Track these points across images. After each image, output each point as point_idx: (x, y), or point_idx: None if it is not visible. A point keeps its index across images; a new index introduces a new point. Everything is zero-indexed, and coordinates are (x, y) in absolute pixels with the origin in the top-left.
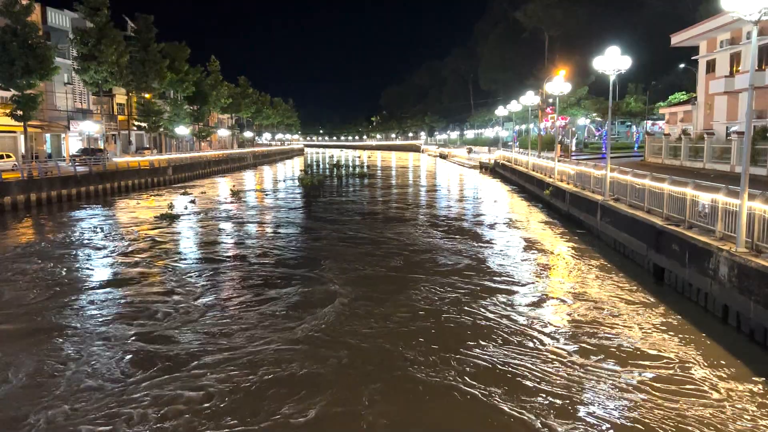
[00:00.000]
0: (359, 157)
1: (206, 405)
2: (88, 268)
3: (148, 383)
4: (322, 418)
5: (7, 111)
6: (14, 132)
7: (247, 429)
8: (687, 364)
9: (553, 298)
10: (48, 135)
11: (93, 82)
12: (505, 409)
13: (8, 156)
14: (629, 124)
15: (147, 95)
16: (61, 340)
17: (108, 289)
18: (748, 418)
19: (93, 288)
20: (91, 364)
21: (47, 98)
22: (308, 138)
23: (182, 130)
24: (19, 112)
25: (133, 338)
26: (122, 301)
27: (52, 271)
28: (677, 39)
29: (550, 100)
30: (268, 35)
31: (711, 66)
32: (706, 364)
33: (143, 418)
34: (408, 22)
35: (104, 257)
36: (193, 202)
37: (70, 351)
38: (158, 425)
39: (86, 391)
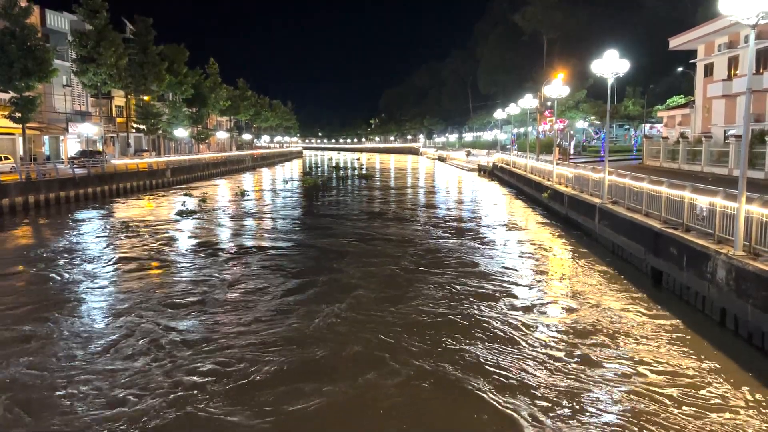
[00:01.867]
0: (358, 159)
1: (231, 381)
2: (121, 260)
3: (178, 360)
4: (336, 399)
5: (6, 113)
6: (13, 134)
7: (264, 405)
8: (684, 368)
9: (551, 301)
10: (46, 137)
11: (92, 84)
12: (502, 408)
13: (6, 158)
14: (627, 127)
15: (146, 97)
16: (98, 320)
17: (141, 278)
18: (746, 421)
19: (125, 276)
20: (124, 342)
21: (46, 100)
22: (307, 140)
23: (181, 133)
24: (18, 114)
25: (165, 321)
26: (157, 287)
27: (85, 264)
28: (675, 42)
29: (549, 103)
30: (268, 35)
31: (709, 69)
32: (703, 368)
33: (169, 391)
34: (408, 23)
35: (129, 251)
36: (203, 201)
37: (109, 331)
38: (183, 396)
39: (124, 361)
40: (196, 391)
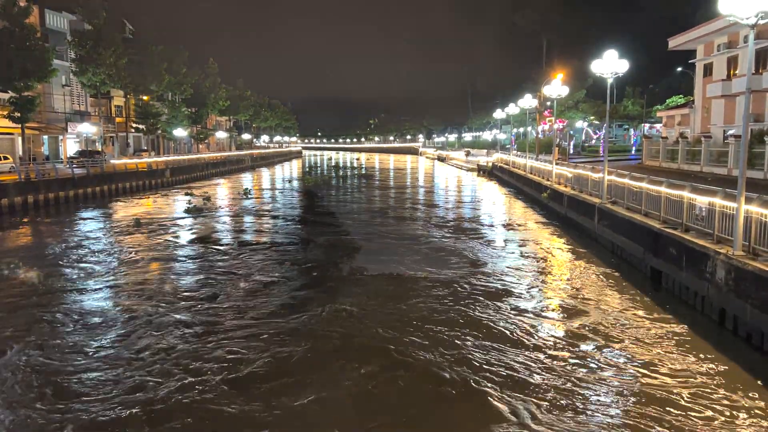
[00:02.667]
0: (358, 159)
1: (236, 373)
2: (130, 256)
3: (185, 353)
4: (339, 394)
5: (5, 113)
6: (12, 134)
7: (268, 397)
8: (683, 368)
9: (550, 300)
10: (46, 137)
11: (91, 84)
12: (501, 406)
13: (6, 158)
14: (627, 127)
15: (145, 97)
16: (110, 313)
17: (150, 272)
18: (744, 421)
19: (135, 271)
20: (135, 334)
21: (45, 100)
22: (306, 140)
23: (180, 132)
24: (17, 114)
25: (174, 313)
26: (167, 281)
27: (106, 258)
28: (674, 42)
29: (548, 103)
30: (267, 33)
31: (708, 69)
32: (702, 368)
33: (175, 382)
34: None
35: (138, 248)
36: (207, 200)
37: (120, 323)
38: (189, 388)
39: (134, 352)
40: (202, 383)
